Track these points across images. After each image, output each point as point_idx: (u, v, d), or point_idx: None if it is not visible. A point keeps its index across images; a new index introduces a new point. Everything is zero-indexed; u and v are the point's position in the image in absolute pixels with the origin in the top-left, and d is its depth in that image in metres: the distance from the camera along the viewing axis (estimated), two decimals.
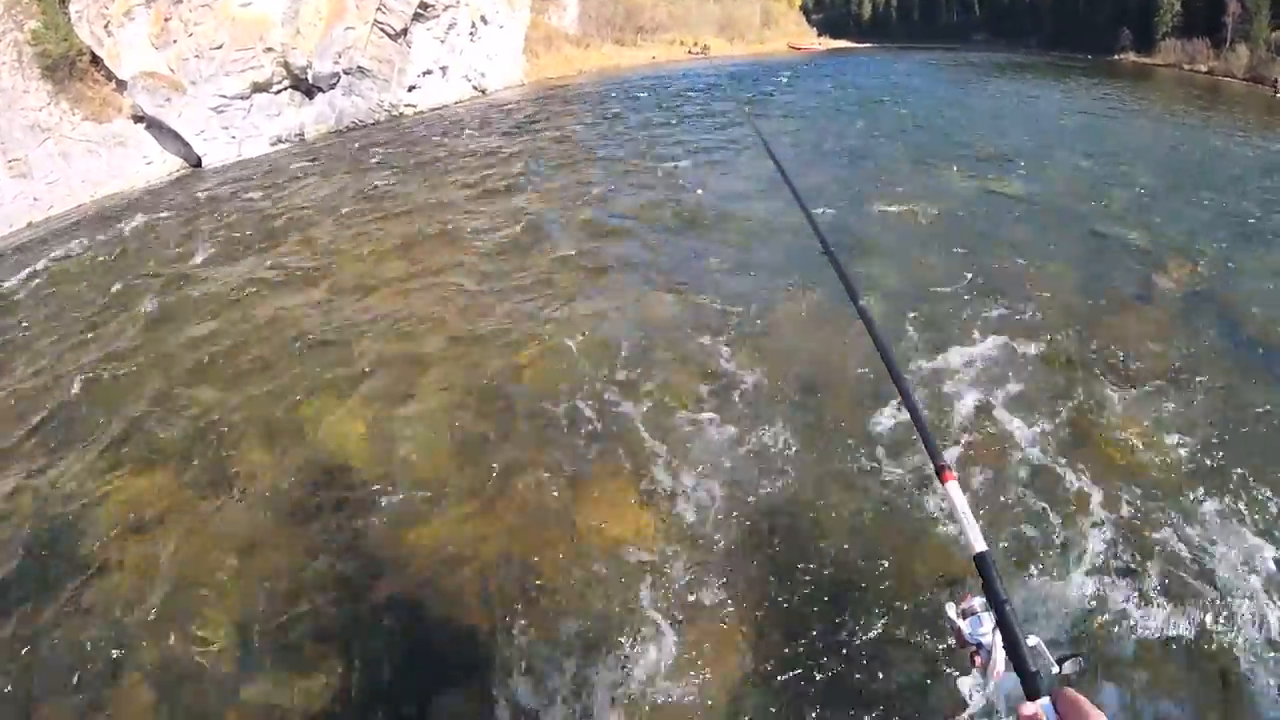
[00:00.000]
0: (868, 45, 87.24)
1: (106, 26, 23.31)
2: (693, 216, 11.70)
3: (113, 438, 6.89)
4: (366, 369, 7.60)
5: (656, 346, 7.53)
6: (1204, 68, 57.48)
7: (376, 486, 5.75)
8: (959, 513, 1.75)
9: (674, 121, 22.09)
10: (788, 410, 6.42)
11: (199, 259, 12.03)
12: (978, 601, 1.62)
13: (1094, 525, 5.10)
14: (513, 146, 19.32)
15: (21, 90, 21.64)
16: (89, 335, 9.64)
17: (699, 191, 13.36)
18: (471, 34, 34.38)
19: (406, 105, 30.33)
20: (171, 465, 6.40)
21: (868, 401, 6.44)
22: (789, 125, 20.33)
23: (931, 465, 1.94)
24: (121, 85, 23.41)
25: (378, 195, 14.87)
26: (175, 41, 23.73)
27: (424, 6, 30.26)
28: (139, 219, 16.07)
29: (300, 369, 7.81)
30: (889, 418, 6.20)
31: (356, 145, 22.81)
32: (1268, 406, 6.41)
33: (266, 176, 19.36)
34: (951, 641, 1.66)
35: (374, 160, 19.51)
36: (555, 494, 5.47)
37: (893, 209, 11.57)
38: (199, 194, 18.64)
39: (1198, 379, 6.80)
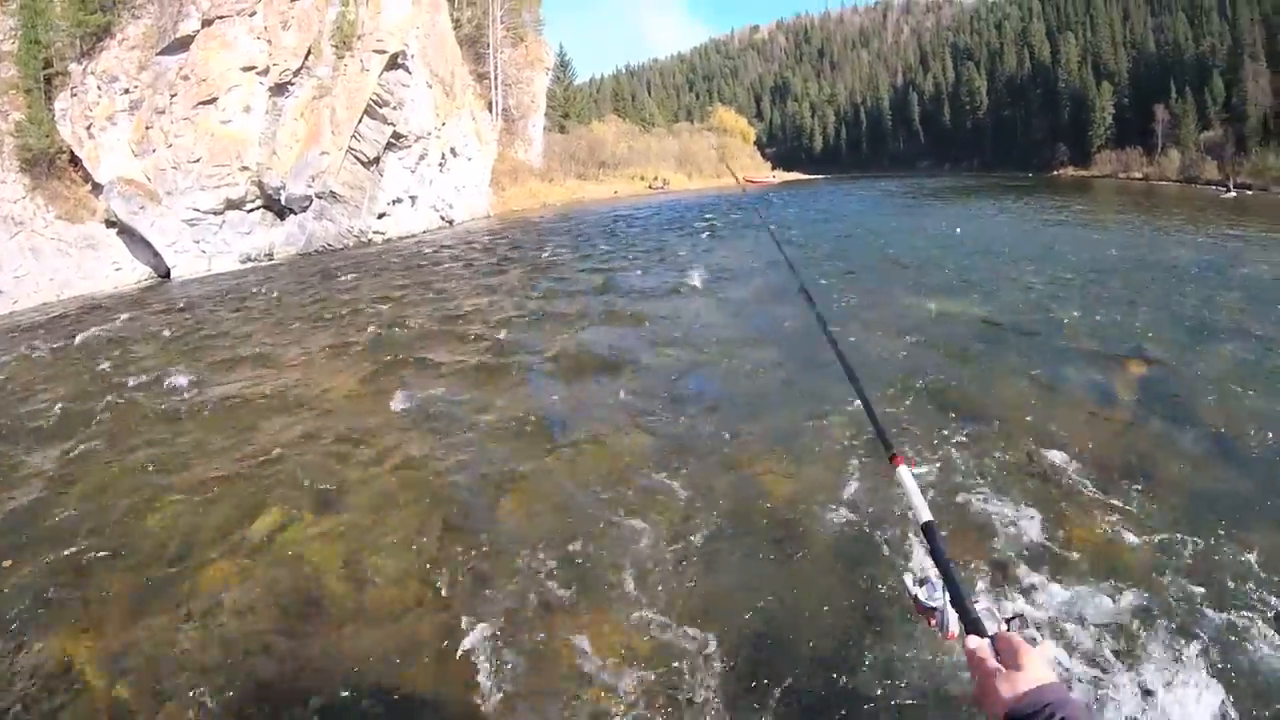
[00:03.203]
0: (820, 176, 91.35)
1: (89, 128, 24.08)
2: (665, 351, 12.11)
3: (56, 559, 6.73)
4: (321, 492, 7.66)
5: (626, 475, 7.68)
6: (1139, 174, 62.14)
7: (340, 614, 5.75)
8: (908, 490, 1.94)
9: (629, 254, 23.18)
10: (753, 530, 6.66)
11: (158, 373, 12.17)
12: (931, 572, 1.83)
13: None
14: (477, 278, 20.02)
15: None
16: (35, 446, 9.63)
17: (666, 326, 13.86)
18: (441, 165, 35.82)
19: (375, 232, 31.25)
20: (124, 585, 6.28)
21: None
22: (736, 261, 21.32)
23: (885, 453, 2.12)
24: (98, 188, 24.02)
25: (344, 322, 15.22)
26: (154, 151, 24.54)
27: (397, 136, 31.62)
28: (104, 325, 16.33)
29: (253, 490, 7.79)
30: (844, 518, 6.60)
31: (325, 270, 23.25)
32: (1225, 489, 6.77)
33: (234, 294, 19.69)
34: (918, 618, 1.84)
35: (342, 286, 19.95)
36: (527, 619, 5.55)
37: (851, 338, 11.88)
38: (166, 305, 18.92)
39: (1157, 471, 7.11)
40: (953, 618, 1.72)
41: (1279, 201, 39.48)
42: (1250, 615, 5.14)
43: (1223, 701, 4.46)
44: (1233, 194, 41.78)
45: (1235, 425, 8.06)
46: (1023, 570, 5.76)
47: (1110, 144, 72.73)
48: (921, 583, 1.84)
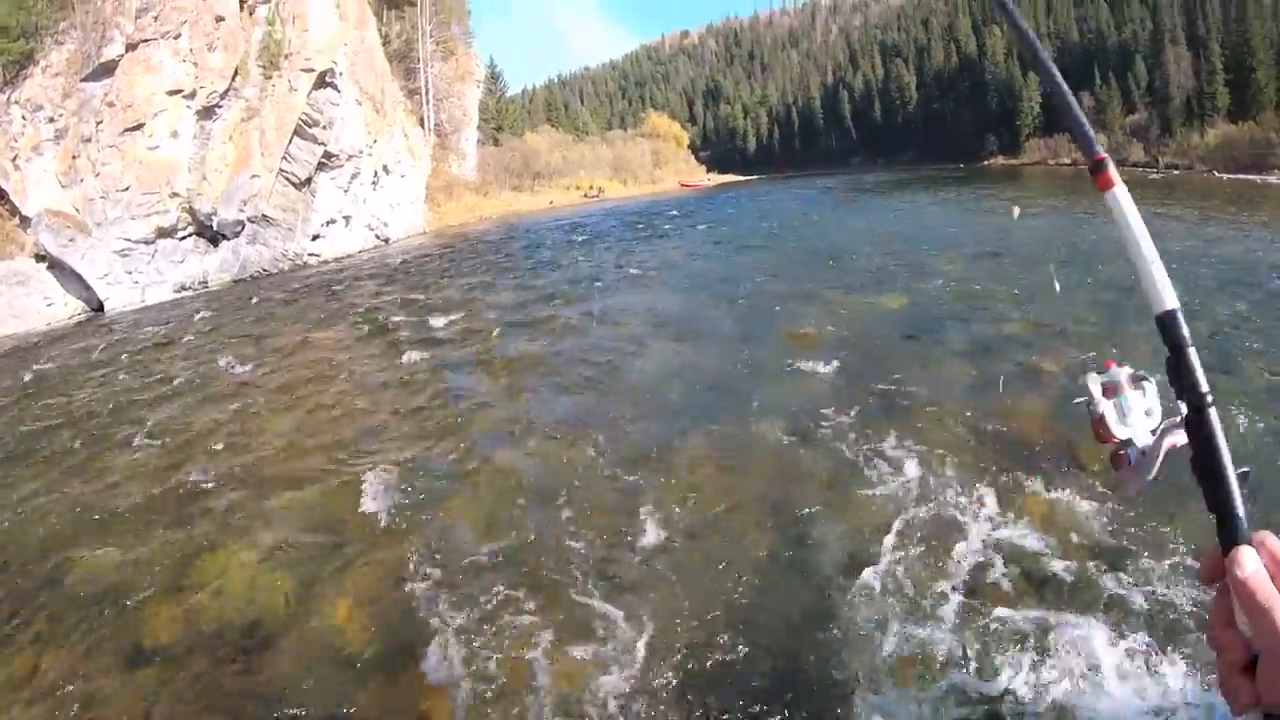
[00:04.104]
0: (754, 177, 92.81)
1: (15, 159, 23.63)
2: (600, 361, 12.35)
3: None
4: (265, 524, 7.67)
5: (573, 487, 7.79)
6: (1068, 160, 63.90)
7: (291, 650, 5.70)
8: (1134, 237, 1.18)
9: (566, 264, 23.66)
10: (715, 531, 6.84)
11: (94, 409, 12.22)
12: (1124, 374, 1.05)
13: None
14: (414, 295, 20.22)
15: None
16: None
17: (598, 331, 14.28)
18: (374, 183, 35.81)
19: (310, 254, 31.08)
20: (63, 631, 6.16)
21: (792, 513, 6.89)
22: (674, 261, 22.18)
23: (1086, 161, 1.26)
24: (25, 221, 23.55)
25: (281, 349, 15.30)
26: (82, 180, 24.13)
27: (328, 156, 31.60)
28: (38, 364, 16.25)
29: (194, 526, 7.76)
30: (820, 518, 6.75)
31: (260, 295, 23.17)
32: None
33: (169, 325, 19.59)
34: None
35: (277, 311, 20.00)
36: (489, 641, 5.57)
37: (784, 338, 12.18)
38: (100, 340, 18.76)
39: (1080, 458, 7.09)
40: (1158, 455, 1.10)
41: (1203, 179, 40.96)
42: None
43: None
44: (1160, 174, 43.13)
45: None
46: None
47: (1038, 132, 75.20)
48: (1109, 391, 1.09)
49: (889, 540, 6.29)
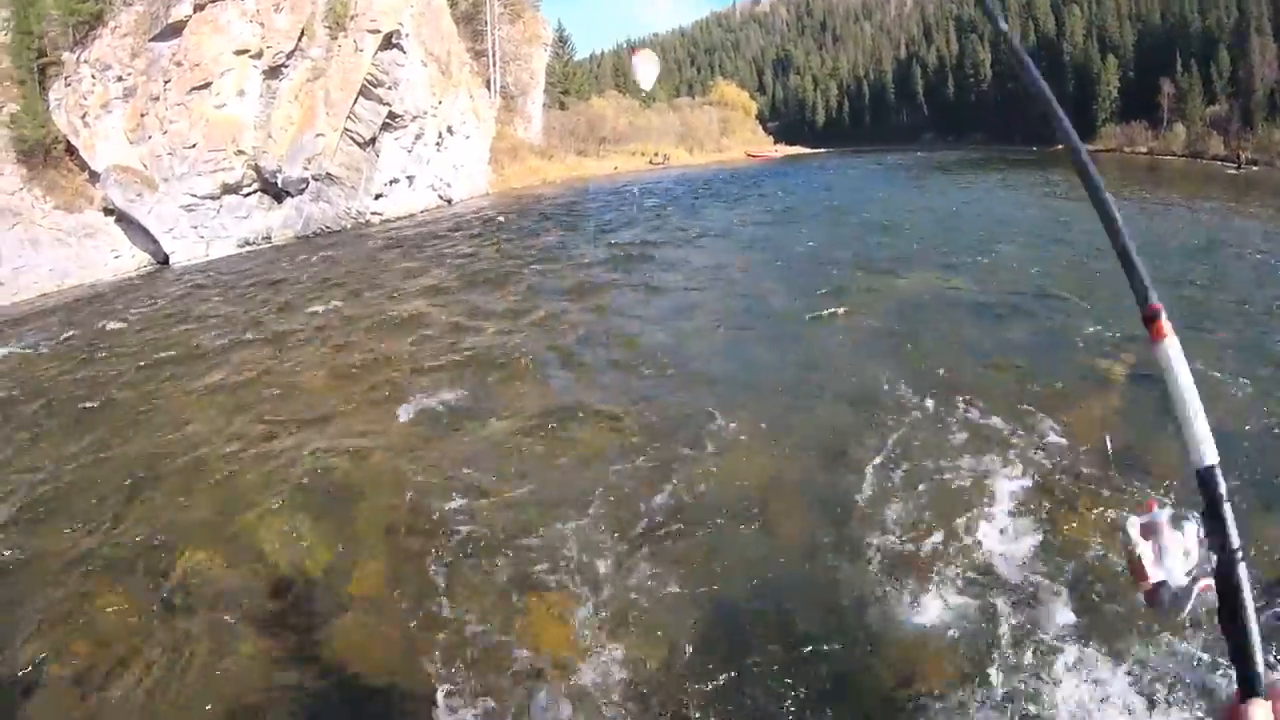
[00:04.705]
0: (822, 150, 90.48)
1: (84, 117, 24.02)
2: (651, 330, 12.05)
3: (62, 550, 6.77)
4: (309, 485, 7.61)
5: (607, 454, 7.63)
6: (1144, 149, 61.64)
7: (322, 604, 5.74)
8: (1180, 392, 1.21)
9: (624, 230, 23.30)
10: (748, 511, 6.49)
11: (158, 364, 12.25)
12: (1165, 517, 1.23)
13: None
14: (478, 261, 19.87)
15: None
16: (35, 441, 9.64)
17: (653, 301, 13.98)
18: (438, 144, 35.67)
19: (373, 213, 31.23)
20: (123, 583, 6.25)
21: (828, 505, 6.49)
22: (745, 233, 21.51)
23: (1140, 312, 1.31)
24: (95, 176, 23.99)
25: (343, 309, 15.13)
26: (150, 137, 24.49)
27: (392, 116, 31.51)
28: (104, 315, 16.38)
29: (248, 482, 7.79)
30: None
31: (323, 252, 23.29)
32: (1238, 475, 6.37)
33: (233, 280, 19.73)
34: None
35: (341, 269, 19.99)
36: (495, 613, 5.46)
37: (843, 313, 11.78)
38: (166, 293, 18.98)
39: (1154, 456, 6.87)
40: (1190, 597, 1.20)
41: None
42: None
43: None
44: (1241, 170, 41.22)
45: (1234, 412, 7.77)
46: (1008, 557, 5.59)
47: (1115, 118, 72.00)
48: (1149, 533, 1.26)
49: (934, 539, 5.88)
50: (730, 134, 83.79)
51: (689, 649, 4.96)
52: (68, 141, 24.00)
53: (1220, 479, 1.17)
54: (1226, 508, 1.16)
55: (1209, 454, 1.17)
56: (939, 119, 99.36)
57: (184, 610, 5.82)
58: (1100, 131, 70.98)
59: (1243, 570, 1.13)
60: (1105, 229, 1.39)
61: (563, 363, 10.96)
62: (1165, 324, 1.27)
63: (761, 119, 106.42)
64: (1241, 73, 60.91)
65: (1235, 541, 1.14)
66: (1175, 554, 1.24)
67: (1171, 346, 1.24)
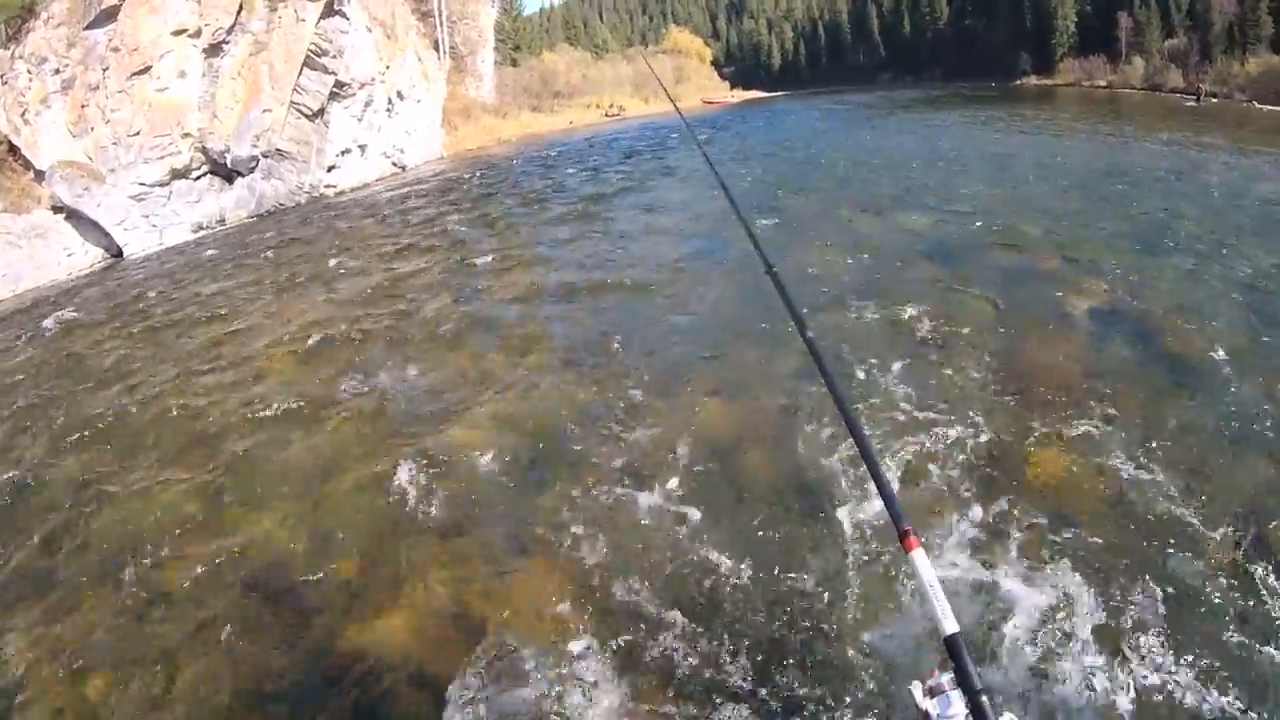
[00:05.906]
0: (779, 94, 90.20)
1: (24, 114, 23.32)
2: (631, 284, 12.04)
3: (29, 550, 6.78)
4: (284, 461, 7.64)
5: (587, 424, 7.51)
6: (1103, 82, 61.48)
7: (302, 583, 5.69)
8: (926, 587, 1.64)
9: (578, 185, 23.46)
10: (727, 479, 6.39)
11: (120, 358, 12.11)
12: (946, 679, 1.55)
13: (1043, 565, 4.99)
14: (433, 224, 19.79)
15: None
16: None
17: (630, 252, 14.04)
18: (389, 110, 35.12)
19: (327, 186, 30.74)
20: (88, 573, 6.29)
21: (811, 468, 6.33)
22: (691, 179, 21.68)
23: (895, 530, 1.79)
24: (40, 175, 23.34)
25: (302, 285, 15.04)
26: (93, 129, 23.85)
27: (340, 86, 30.90)
28: (63, 315, 16.05)
29: (221, 464, 7.74)
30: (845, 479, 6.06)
31: (278, 230, 23.03)
32: (1183, 418, 6.51)
33: (189, 266, 19.46)
34: None
35: (296, 246, 19.80)
36: (478, 586, 5.45)
37: (806, 260, 11.68)
38: (122, 286, 18.70)
39: (1116, 399, 6.84)
40: None
41: (1241, 109, 39.02)
42: (1215, 557, 4.98)
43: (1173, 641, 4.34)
44: (1200, 103, 41.37)
45: (1193, 349, 7.84)
46: (979, 501, 5.62)
47: (1073, 52, 71.39)
48: (933, 693, 1.59)
49: (902, 491, 5.80)
50: (685, 81, 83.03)
51: (682, 613, 4.96)
52: (9, 142, 23.37)
53: (961, 642, 1.57)
54: (968, 661, 1.54)
55: (950, 626, 1.58)
56: (896, 58, 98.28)
57: (161, 607, 5.82)
58: (1059, 66, 70.63)
59: (986, 702, 1.50)
60: (865, 463, 1.99)
61: (526, 324, 10.96)
62: (914, 539, 1.74)
63: (717, 65, 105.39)
64: (1199, 6, 60.42)
65: (978, 683, 1.52)
66: (958, 707, 1.56)
67: (918, 556, 1.71)
